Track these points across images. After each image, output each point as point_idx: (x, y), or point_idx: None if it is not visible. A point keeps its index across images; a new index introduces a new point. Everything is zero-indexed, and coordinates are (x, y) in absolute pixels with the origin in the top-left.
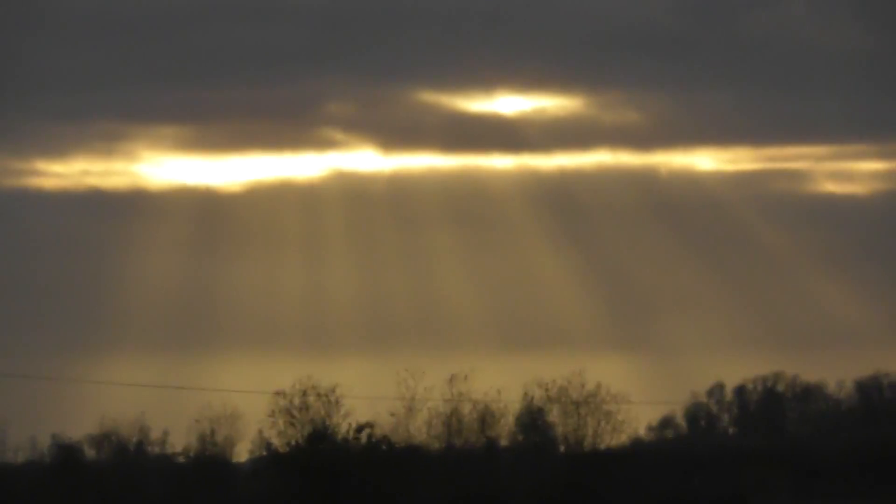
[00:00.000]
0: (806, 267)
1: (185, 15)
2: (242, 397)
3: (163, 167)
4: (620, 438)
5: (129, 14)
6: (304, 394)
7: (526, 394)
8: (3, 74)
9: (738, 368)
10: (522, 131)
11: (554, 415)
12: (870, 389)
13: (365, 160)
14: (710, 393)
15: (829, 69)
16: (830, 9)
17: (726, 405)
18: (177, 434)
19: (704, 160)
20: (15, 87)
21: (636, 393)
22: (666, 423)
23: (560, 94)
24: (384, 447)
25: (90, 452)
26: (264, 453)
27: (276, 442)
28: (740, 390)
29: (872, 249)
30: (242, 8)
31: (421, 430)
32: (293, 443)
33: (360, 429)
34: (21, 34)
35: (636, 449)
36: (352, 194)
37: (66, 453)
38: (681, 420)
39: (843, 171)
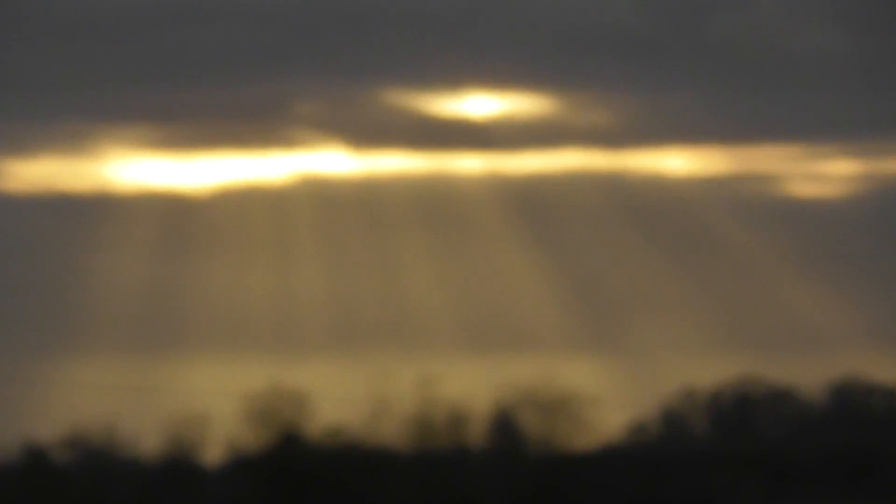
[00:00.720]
0: (777, 269)
1: (153, 15)
2: (212, 399)
3: (128, 168)
4: (593, 442)
5: (96, 14)
6: (274, 396)
7: (497, 396)
8: None
9: (710, 371)
10: (491, 132)
11: (525, 418)
12: (843, 393)
13: (333, 161)
14: (683, 396)
15: (797, 69)
16: (799, 9)
17: (698, 408)
18: (146, 437)
19: (674, 161)
20: None
21: (608, 395)
22: (638, 427)
23: (529, 94)
24: (354, 450)
25: (59, 456)
26: (233, 457)
27: (246, 445)
28: (713, 393)
29: (843, 251)
30: (210, 8)
31: (391, 432)
32: (262, 446)
33: (330, 431)
34: None
35: (608, 453)
36: (319, 196)
37: (34, 457)
38: (653, 423)
39: (813, 172)
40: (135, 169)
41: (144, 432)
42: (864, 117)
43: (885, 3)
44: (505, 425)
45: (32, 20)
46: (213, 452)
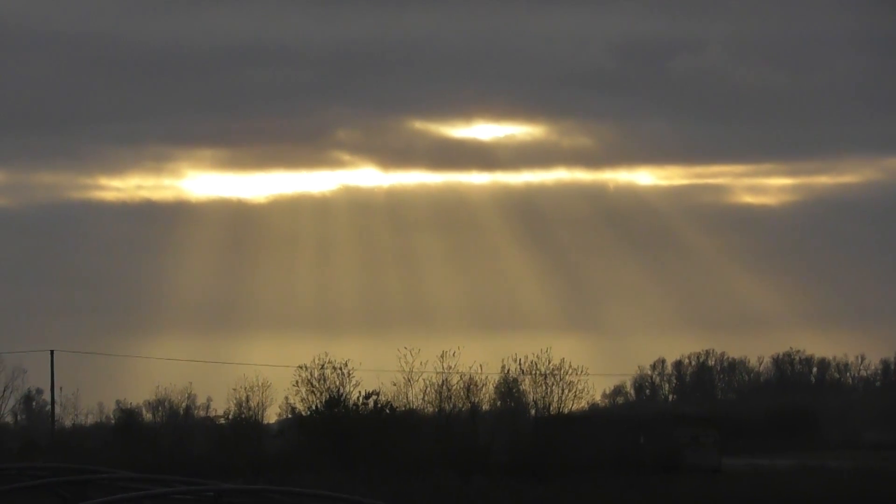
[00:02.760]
0: (729, 263)
1: (221, 57)
2: (271, 370)
3: (202, 183)
4: (580, 404)
5: (175, 57)
6: (322, 367)
7: (503, 367)
8: (73, 107)
9: (675, 346)
10: (496, 153)
11: (526, 384)
12: (783, 363)
13: (367, 177)
14: (653, 366)
15: (743, 102)
16: (743, 54)
17: (666, 376)
18: (218, 400)
19: (644, 176)
20: (82, 117)
21: (593, 366)
22: (617, 391)
23: (526, 122)
24: (387, 411)
25: (147, 416)
26: (289, 416)
27: (299, 407)
28: (678, 364)
29: (782, 249)
30: (268, 52)
31: (417, 397)
32: (313, 407)
33: (367, 396)
34: (88, 74)
35: (593, 412)
36: (356, 205)
37: (127, 416)
38: (629, 389)
39: (756, 186)
40: (206, 182)
41: (216, 396)
42: (797, 142)
43: (813, 47)
44: (509, 390)
45: (120, 61)
46: (272, 412)
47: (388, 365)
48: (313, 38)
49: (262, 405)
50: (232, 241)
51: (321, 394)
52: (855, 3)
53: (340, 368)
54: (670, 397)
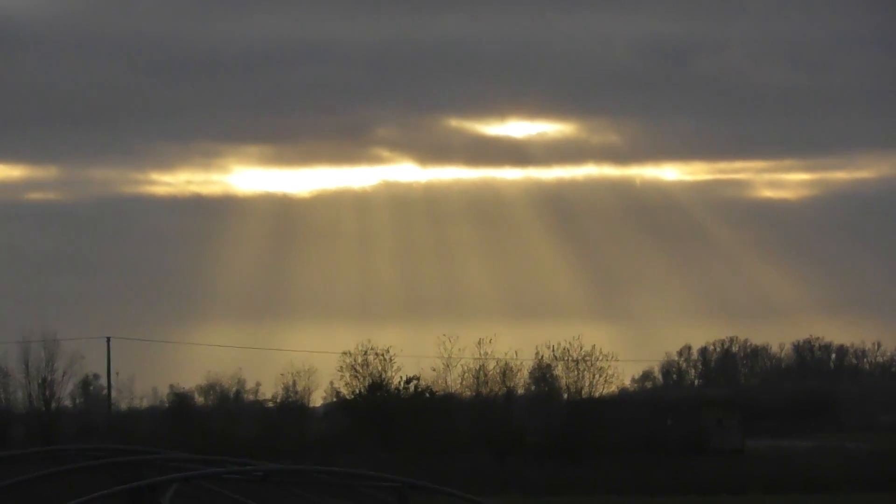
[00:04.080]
0: (751, 255)
1: (268, 59)
2: (317, 356)
3: (248, 178)
4: (610, 388)
5: (223, 59)
6: (365, 353)
7: (537, 353)
8: (126, 106)
9: (701, 333)
10: (528, 150)
11: (558, 370)
12: (803, 350)
13: (406, 172)
14: (680, 353)
15: (762, 100)
16: (762, 54)
17: (692, 362)
18: (266, 385)
19: (669, 172)
20: (135, 116)
21: (622, 353)
22: (645, 376)
23: (557, 120)
24: (427, 395)
25: (198, 399)
26: (334, 400)
27: (344, 391)
28: (703, 350)
29: (801, 241)
30: (310, 53)
31: (455, 381)
32: (356, 392)
33: (408, 381)
34: (140, 75)
35: (622, 396)
36: (395, 199)
37: (180, 400)
38: (657, 374)
39: (776, 181)
40: (252, 178)
41: (264, 381)
42: (815, 138)
43: (830, 47)
44: (542, 375)
45: (171, 62)
46: (317, 396)
47: (428, 351)
48: (354, 40)
49: (308, 389)
50: (277, 233)
51: (364, 378)
52: (871, 4)
53: (382, 354)
54: (696, 382)
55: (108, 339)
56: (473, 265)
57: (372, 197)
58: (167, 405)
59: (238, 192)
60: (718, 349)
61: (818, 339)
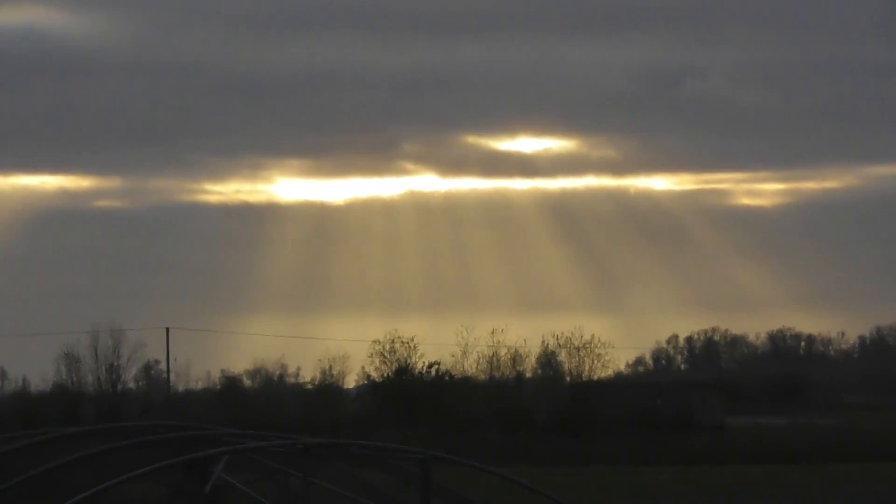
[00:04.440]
0: (731, 255)
1: (307, 82)
2: (350, 344)
3: (290, 188)
4: (607, 372)
5: (267, 82)
6: (392, 342)
7: (543, 341)
8: (182, 124)
9: (687, 324)
10: (536, 163)
11: (562, 356)
12: (777, 339)
13: (428, 183)
14: (668, 341)
15: (742, 119)
16: (742, 77)
17: (679, 349)
18: (306, 369)
19: (659, 182)
20: (190, 133)
21: (618, 341)
22: (638, 361)
23: (561, 137)
24: (446, 378)
25: (246, 382)
26: (365, 382)
27: (373, 375)
28: (689, 339)
29: (775, 243)
30: (344, 77)
31: (471, 366)
32: (385, 375)
33: (430, 366)
34: (195, 96)
35: (618, 379)
36: (419, 206)
37: (230, 382)
38: (648, 360)
39: (754, 190)
40: (293, 187)
41: (304, 365)
42: (788, 153)
43: (802, 73)
44: (548, 361)
45: (221, 85)
46: (350, 379)
47: (447, 339)
48: (384, 67)
49: (343, 373)
50: (315, 236)
51: (392, 364)
52: (836, 36)
53: (408, 343)
54: (682, 367)
55: (167, 329)
56: (487, 264)
57: (398, 204)
58: (219, 387)
59: (281, 200)
60: (702, 338)
61: (790, 329)
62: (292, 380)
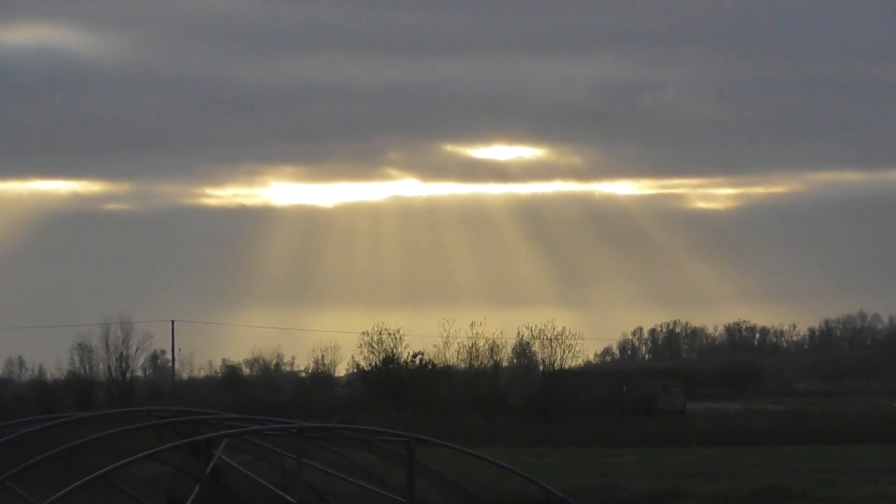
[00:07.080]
0: (689, 254)
1: (299, 95)
2: (340, 335)
3: (284, 192)
4: (577, 361)
5: (263, 95)
6: (379, 333)
7: (518, 333)
8: (186, 134)
9: (650, 317)
10: (509, 169)
11: (536, 347)
12: (733, 331)
13: (410, 188)
14: (633, 333)
15: (696, 130)
16: (693, 91)
17: (643, 340)
18: (300, 358)
19: (622, 187)
20: (193, 142)
21: (586, 333)
22: (605, 352)
23: (532, 145)
24: (429, 367)
25: (245, 370)
26: (354, 371)
27: (362, 363)
28: (652, 331)
29: (729, 244)
30: (333, 91)
31: (452, 356)
32: (373, 364)
33: (414, 355)
34: (197, 108)
35: (587, 368)
36: (402, 209)
37: (230, 371)
38: (615, 350)
39: (708, 194)
40: (287, 192)
41: (298, 355)
42: (738, 160)
43: (750, 88)
44: (523, 351)
45: (221, 97)
46: (341, 368)
47: (430, 331)
48: (368, 80)
49: (334, 362)
50: (307, 236)
51: (379, 353)
52: (782, 52)
53: (394, 334)
54: (646, 357)
55: (173, 322)
56: (466, 262)
57: (383, 207)
58: (220, 375)
59: (275, 203)
60: (664, 330)
61: (745, 322)
62: (287, 368)
